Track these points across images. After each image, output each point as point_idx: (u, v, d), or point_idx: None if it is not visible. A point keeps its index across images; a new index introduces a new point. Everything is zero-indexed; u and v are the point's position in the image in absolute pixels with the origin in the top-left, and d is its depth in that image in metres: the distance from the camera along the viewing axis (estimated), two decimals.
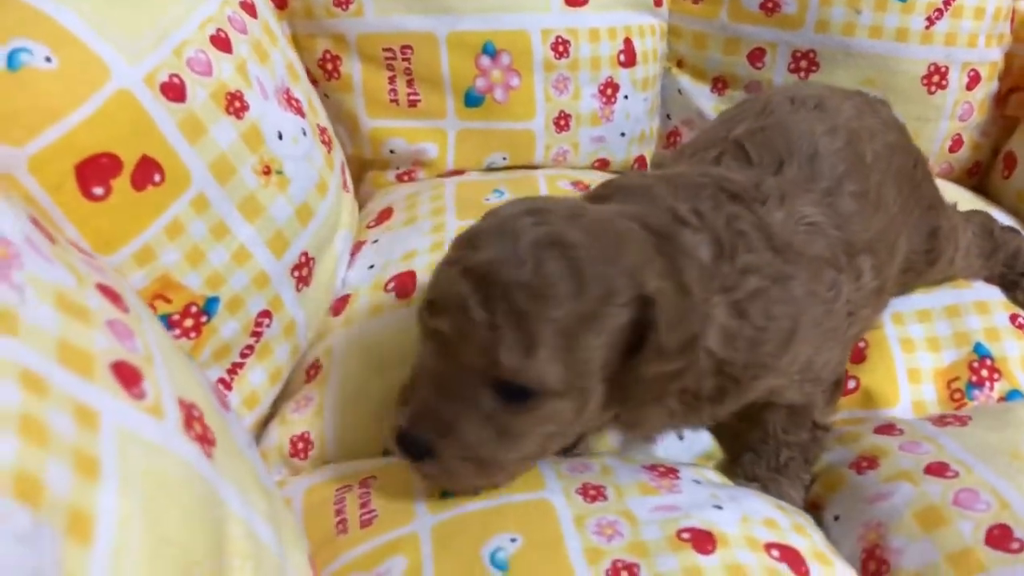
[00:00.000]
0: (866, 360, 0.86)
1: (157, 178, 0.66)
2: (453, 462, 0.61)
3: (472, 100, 0.99)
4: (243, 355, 0.75)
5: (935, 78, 1.04)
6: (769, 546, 0.63)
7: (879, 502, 0.70)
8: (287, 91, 0.82)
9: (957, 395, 0.84)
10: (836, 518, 0.73)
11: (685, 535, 0.62)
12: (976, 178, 1.14)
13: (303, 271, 0.80)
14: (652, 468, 0.71)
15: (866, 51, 1.02)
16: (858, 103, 0.84)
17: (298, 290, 0.79)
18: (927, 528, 0.66)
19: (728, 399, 0.69)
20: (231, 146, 0.72)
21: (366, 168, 1.05)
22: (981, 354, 0.86)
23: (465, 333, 0.58)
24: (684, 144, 0.85)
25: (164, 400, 0.46)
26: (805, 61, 1.04)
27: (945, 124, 1.08)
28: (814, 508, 0.75)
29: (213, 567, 0.42)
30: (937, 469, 0.70)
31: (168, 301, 0.68)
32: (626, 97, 1.05)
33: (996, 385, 0.84)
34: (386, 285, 0.85)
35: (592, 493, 0.66)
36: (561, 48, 0.99)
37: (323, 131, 0.87)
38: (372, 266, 0.88)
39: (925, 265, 0.86)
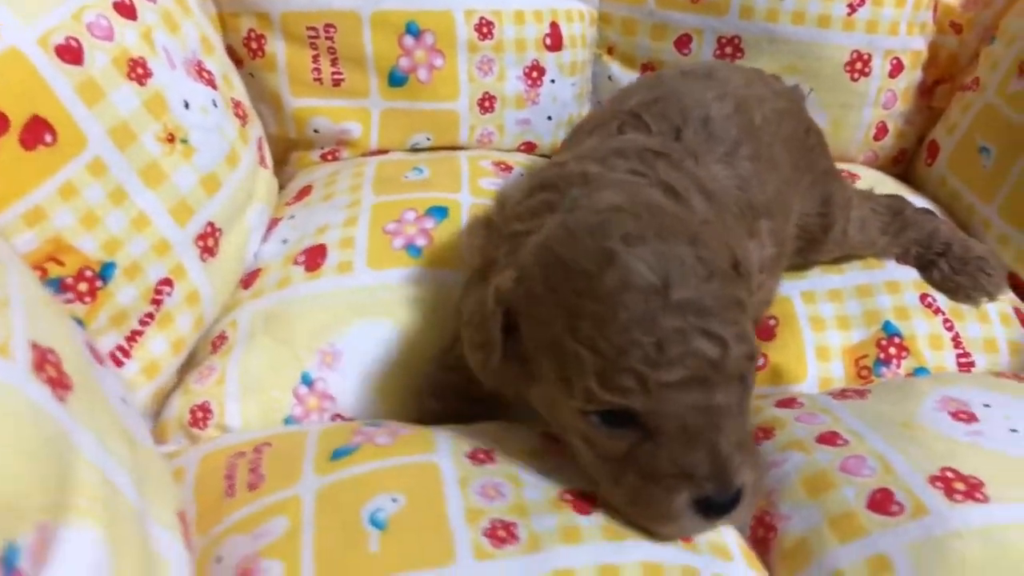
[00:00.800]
0: (775, 338, 0.87)
1: (48, 139, 0.66)
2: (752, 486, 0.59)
3: (396, 80, 1.00)
4: (143, 323, 0.75)
5: (858, 65, 1.05)
6: None
7: (771, 470, 0.70)
8: (199, 63, 0.82)
9: (864, 372, 0.85)
10: None
11: (568, 496, 0.62)
12: (901, 166, 1.15)
13: (208, 241, 0.79)
14: (547, 434, 0.71)
15: (789, 37, 1.03)
16: (748, 74, 0.88)
17: (203, 260, 0.79)
18: (813, 494, 0.66)
19: None
20: (132, 112, 0.72)
21: (291, 148, 1.05)
22: (890, 332, 0.86)
23: (710, 357, 0.55)
24: (580, 122, 0.85)
25: (14, 342, 0.46)
26: (730, 47, 1.05)
27: (869, 112, 1.09)
28: None
29: (48, 502, 0.42)
30: (829, 438, 0.70)
31: (61, 264, 0.68)
32: (553, 81, 1.06)
33: (903, 362, 0.85)
34: (296, 258, 0.85)
35: (481, 457, 0.66)
36: (485, 29, 0.99)
37: (237, 105, 0.87)
38: (285, 240, 0.88)
39: (819, 231, 0.87)
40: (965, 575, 0.58)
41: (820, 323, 0.87)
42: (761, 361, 0.85)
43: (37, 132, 0.65)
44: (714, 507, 0.57)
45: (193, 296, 0.78)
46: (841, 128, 1.09)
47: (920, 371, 0.85)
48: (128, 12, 0.74)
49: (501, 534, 0.59)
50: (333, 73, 0.99)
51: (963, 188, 1.02)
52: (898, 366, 0.85)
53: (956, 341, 0.87)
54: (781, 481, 0.69)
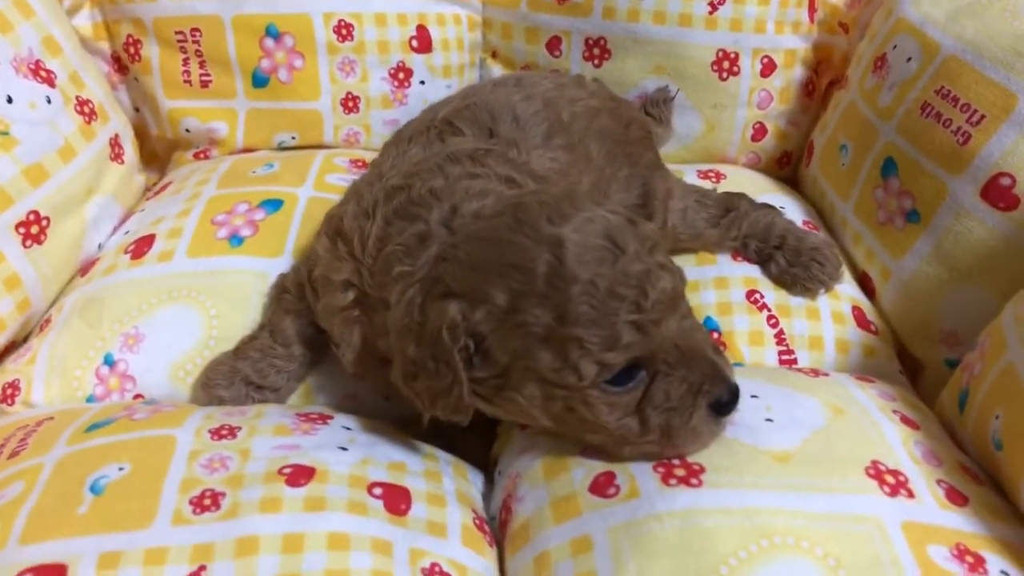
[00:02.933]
0: None
1: None
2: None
3: (258, 81, 1.03)
4: None
5: (725, 64, 1.04)
6: (375, 485, 0.65)
7: (524, 454, 0.70)
8: (37, 62, 0.87)
9: None
10: (499, 473, 0.73)
11: (287, 470, 0.64)
12: (787, 168, 1.13)
13: (32, 229, 0.83)
14: (304, 415, 0.73)
15: (652, 37, 1.03)
16: (562, 79, 0.92)
17: (26, 247, 0.83)
18: (548, 476, 0.67)
19: None
20: None
21: (171, 148, 1.09)
22: (709, 328, 0.85)
23: (671, 286, 0.61)
24: (396, 133, 0.87)
25: None
26: (597, 48, 1.06)
27: (743, 112, 1.07)
28: (494, 465, 0.76)
29: None
30: None
31: None
32: (422, 82, 1.08)
33: None
34: (127, 247, 0.89)
35: (224, 433, 0.68)
36: (344, 31, 1.02)
37: (84, 103, 0.92)
38: (128, 232, 0.92)
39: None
40: (653, 553, 0.58)
41: None
42: None
43: None
44: (726, 405, 0.63)
45: (13, 280, 0.82)
46: (716, 129, 1.09)
47: (735, 366, 0.83)
48: None
49: (206, 502, 0.61)
50: (202, 75, 1.03)
51: (827, 187, 1.00)
52: None
53: (779, 337, 0.85)
54: (528, 465, 0.69)
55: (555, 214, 0.61)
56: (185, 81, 1.03)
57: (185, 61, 1.03)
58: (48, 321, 0.84)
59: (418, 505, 0.64)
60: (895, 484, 0.63)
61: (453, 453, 0.75)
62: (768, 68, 1.06)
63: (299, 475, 0.63)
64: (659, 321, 0.60)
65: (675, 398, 0.61)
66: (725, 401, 0.63)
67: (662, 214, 0.88)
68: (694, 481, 0.62)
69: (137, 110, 1.09)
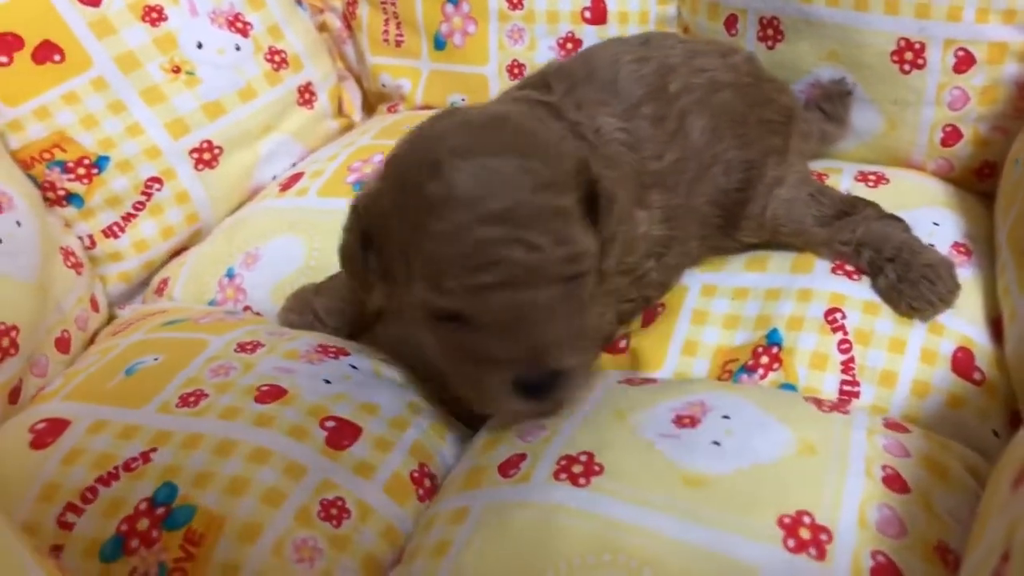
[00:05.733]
0: (651, 324, 0.83)
1: (57, 58, 0.91)
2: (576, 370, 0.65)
3: (439, 44, 1.10)
4: (135, 208, 0.98)
5: (908, 55, 0.91)
6: (330, 418, 0.70)
7: (489, 426, 0.72)
8: (236, 15, 1.03)
9: (726, 376, 0.78)
10: None
11: (264, 388, 0.72)
12: (989, 181, 0.95)
13: (204, 155, 1.00)
14: (324, 346, 0.80)
15: (825, 20, 0.93)
16: (702, 47, 0.86)
17: (197, 169, 0.99)
18: (485, 448, 0.68)
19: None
20: (141, 46, 0.95)
21: (378, 100, 1.21)
22: (772, 341, 0.78)
23: (522, 262, 0.60)
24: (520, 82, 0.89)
25: None
26: (771, 29, 0.97)
27: (929, 111, 0.92)
28: None
29: None
30: None
31: (64, 151, 0.93)
32: None
33: (771, 375, 0.76)
34: (282, 182, 1.02)
35: (248, 347, 0.78)
36: (516, 0, 1.06)
37: (276, 52, 1.06)
38: (294, 166, 1.06)
39: (735, 204, 0.82)
40: (498, 536, 0.59)
41: (702, 317, 0.81)
42: (624, 343, 0.83)
43: (47, 53, 0.91)
44: (531, 387, 0.63)
45: (183, 195, 0.99)
46: (898, 128, 0.95)
47: (787, 387, 0.76)
48: None
49: (191, 400, 0.71)
50: (397, 35, 1.13)
51: (999, 205, 0.85)
52: (763, 377, 0.76)
53: (847, 365, 0.75)
54: (481, 436, 0.71)
55: (463, 146, 0.61)
56: (384, 40, 1.15)
57: (386, 21, 1.14)
58: (208, 233, 1.01)
59: (360, 445, 0.69)
60: (807, 541, 0.55)
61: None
62: (964, 63, 0.90)
63: (270, 395, 0.71)
64: (488, 287, 0.59)
65: (481, 358, 0.62)
66: (529, 384, 0.62)
67: (763, 199, 0.82)
68: (582, 480, 0.60)
69: (359, 63, 1.22)
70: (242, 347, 0.78)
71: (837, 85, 0.96)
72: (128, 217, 0.98)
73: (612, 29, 1.08)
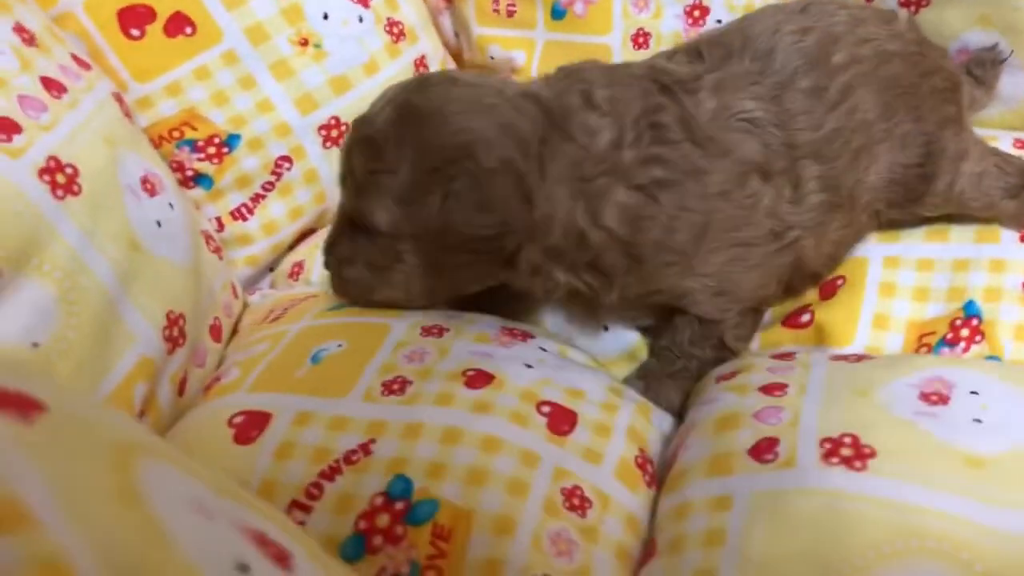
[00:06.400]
0: (833, 297, 0.81)
1: (188, 30, 0.86)
2: (348, 279, 0.77)
3: (557, 13, 1.06)
4: (265, 188, 0.93)
5: None
6: (545, 403, 0.67)
7: (704, 406, 0.69)
8: None
9: (924, 350, 0.76)
10: (685, 420, 0.72)
11: (470, 372, 0.69)
12: None
13: (332, 132, 0.95)
14: (509, 329, 0.77)
15: None
16: (865, 13, 0.81)
17: (325, 147, 0.95)
18: (717, 432, 0.65)
19: (632, 277, 0.73)
20: (269, 17, 0.90)
21: (480, 72, 1.17)
22: (969, 313, 0.76)
23: (343, 179, 0.73)
24: (674, 47, 0.85)
25: (33, 149, 0.66)
26: None
27: None
28: (685, 411, 0.75)
29: (10, 256, 0.60)
30: (771, 388, 0.67)
31: (195, 129, 0.88)
32: (719, 21, 1.04)
33: (974, 347, 0.75)
34: None
35: (434, 331, 0.74)
36: None
37: (394, 24, 1.01)
38: None
39: (917, 181, 0.79)
40: (786, 526, 0.56)
41: (890, 290, 0.79)
42: (807, 317, 0.81)
43: (179, 24, 0.86)
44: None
45: (312, 174, 0.95)
46: None
47: (991, 359, 0.74)
48: None
49: (395, 387, 0.68)
50: (508, 5, 1.09)
51: None
52: (965, 350, 0.75)
53: None
54: (704, 417, 0.68)
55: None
56: (494, 10, 1.10)
57: None
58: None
59: (581, 430, 0.66)
60: None
61: (648, 398, 0.76)
62: None
63: (478, 379, 0.68)
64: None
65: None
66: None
67: (949, 175, 0.79)
68: (857, 464, 0.57)
69: (457, 35, 1.18)
70: (427, 331, 0.74)
71: (990, 52, 0.94)
72: (257, 198, 0.93)
73: None
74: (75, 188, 0.68)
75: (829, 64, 0.76)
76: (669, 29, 1.05)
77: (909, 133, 0.78)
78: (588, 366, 0.76)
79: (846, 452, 0.58)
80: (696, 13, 1.05)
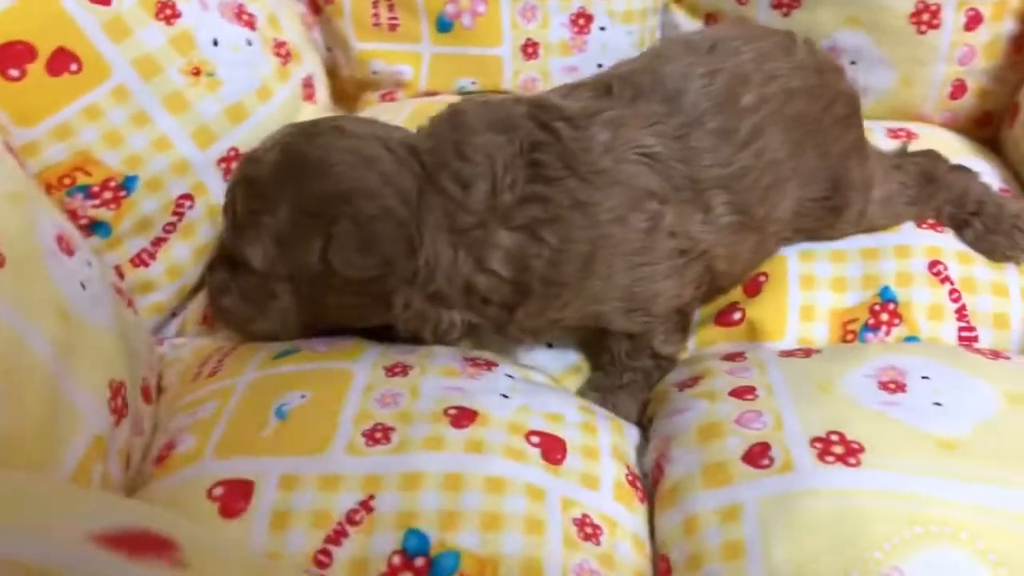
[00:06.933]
0: (759, 294, 0.85)
1: (74, 67, 0.78)
2: (225, 309, 0.80)
3: (443, 25, 1.05)
4: (166, 230, 0.87)
5: (925, 16, 0.97)
6: (532, 433, 0.67)
7: (676, 416, 0.71)
8: (239, 6, 0.92)
9: (850, 336, 0.82)
10: (654, 431, 0.74)
11: (452, 411, 0.67)
12: (988, 129, 1.05)
13: (232, 164, 0.90)
14: (471, 359, 0.76)
15: None
16: (769, 45, 0.82)
17: (226, 180, 0.89)
18: (701, 441, 0.67)
19: (528, 309, 0.74)
20: (158, 48, 0.83)
21: (360, 89, 1.13)
22: (886, 298, 0.82)
23: (224, 211, 0.77)
24: (583, 79, 0.86)
25: None
26: None
27: (942, 68, 1.01)
28: (649, 423, 0.77)
29: None
30: (741, 392, 0.70)
31: (88, 174, 0.81)
32: (603, 28, 1.06)
33: (894, 330, 0.81)
34: None
35: (397, 370, 0.72)
36: None
37: (280, 45, 0.97)
38: None
39: (825, 212, 0.83)
40: (803, 530, 0.58)
41: (811, 282, 0.84)
42: (738, 315, 0.85)
43: (63, 62, 0.77)
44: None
45: (215, 211, 0.89)
46: (912, 85, 1.02)
47: (911, 340, 0.81)
48: None
49: (377, 435, 0.65)
50: (390, 18, 1.07)
51: None
52: (887, 333, 0.81)
53: (960, 313, 0.81)
54: (681, 428, 0.70)
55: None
56: (375, 24, 1.07)
57: (375, 4, 1.06)
58: None
59: (573, 456, 0.67)
60: None
61: (606, 408, 0.77)
62: (974, 21, 0.98)
63: (462, 417, 0.67)
64: None
65: None
66: None
67: (859, 204, 0.83)
68: (852, 460, 0.61)
69: (329, 50, 1.14)
70: (391, 370, 0.72)
71: None
72: (159, 241, 0.87)
73: (619, 2, 1.07)
74: None
75: (738, 106, 0.77)
76: (557, 38, 1.06)
77: (816, 168, 0.81)
78: (553, 388, 0.77)
79: (838, 450, 0.62)
80: (581, 21, 1.07)
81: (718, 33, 0.85)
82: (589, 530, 0.62)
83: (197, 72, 0.86)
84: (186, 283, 0.90)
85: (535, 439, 0.67)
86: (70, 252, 0.70)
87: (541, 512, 0.61)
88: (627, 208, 0.71)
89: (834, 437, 0.63)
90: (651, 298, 0.74)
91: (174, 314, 0.92)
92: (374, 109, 1.09)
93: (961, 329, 0.81)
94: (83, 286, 0.69)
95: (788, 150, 0.78)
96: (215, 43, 0.88)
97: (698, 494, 0.64)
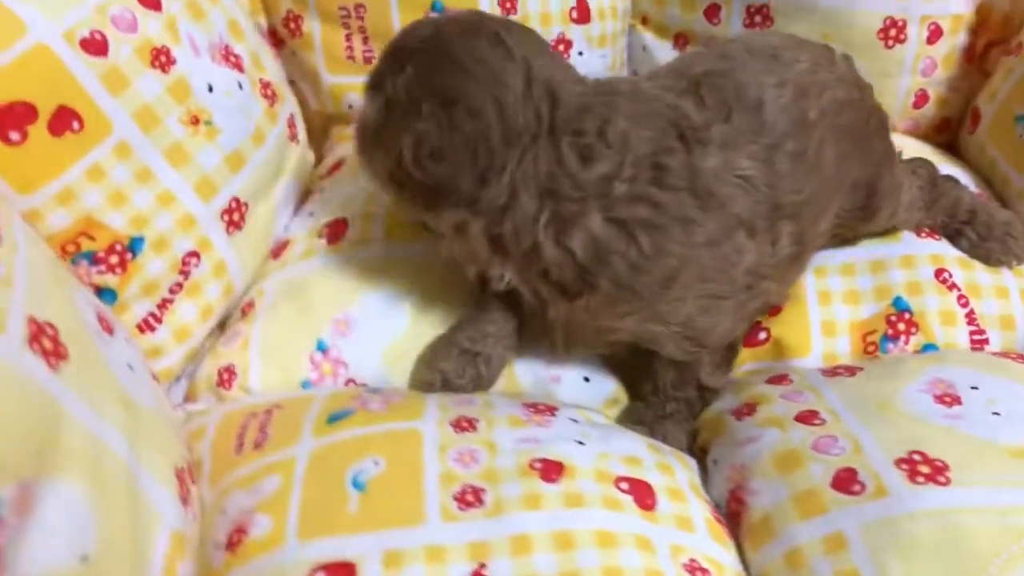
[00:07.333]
0: (781, 312, 0.87)
1: (76, 125, 0.72)
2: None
3: None
4: (172, 291, 0.81)
5: (892, 32, 1.02)
6: (620, 479, 0.66)
7: (747, 445, 0.72)
8: (226, 47, 0.87)
9: (871, 348, 0.85)
10: (715, 462, 0.75)
11: (537, 464, 0.66)
12: (946, 135, 1.12)
13: (234, 216, 0.85)
14: (531, 405, 0.75)
15: (819, 5, 1.02)
16: (816, 55, 0.83)
17: (229, 233, 0.85)
18: (782, 470, 0.68)
19: (588, 304, 0.72)
20: (156, 98, 0.78)
21: (331, 122, 1.10)
22: (900, 308, 0.86)
23: None
24: (653, 71, 0.85)
25: (12, 319, 0.52)
26: (759, 16, 1.04)
27: (906, 79, 1.06)
28: (702, 452, 0.78)
29: (31, 461, 0.48)
30: (807, 416, 0.72)
31: (92, 239, 0.75)
32: (580, 53, 1.07)
33: (912, 339, 0.85)
34: (320, 231, 0.90)
35: (464, 425, 0.70)
36: (509, 4, 1.01)
37: (266, 85, 0.92)
38: (312, 214, 0.94)
39: (860, 222, 0.87)
40: (915, 555, 0.60)
41: (827, 297, 0.87)
42: (764, 335, 0.87)
43: (64, 120, 0.71)
44: None
45: (220, 267, 0.84)
46: (880, 96, 1.06)
47: (928, 347, 0.84)
48: (153, 3, 0.79)
49: (469, 498, 0.63)
50: (365, 51, 1.03)
51: (1000, 158, 1.00)
52: (906, 343, 0.85)
53: (970, 317, 0.86)
54: (755, 457, 0.71)
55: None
56: (348, 57, 1.04)
57: (348, 37, 1.03)
58: (252, 305, 0.87)
59: (662, 499, 0.66)
60: None
61: (656, 439, 0.77)
62: (935, 35, 1.04)
63: (550, 470, 0.65)
64: None
65: None
66: None
67: (891, 208, 0.87)
68: (941, 479, 0.63)
69: (292, 83, 1.09)
70: (457, 426, 0.70)
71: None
72: (165, 303, 0.81)
73: (595, 28, 1.07)
74: (61, 351, 0.55)
75: (807, 123, 0.77)
76: None
77: (857, 179, 0.84)
78: (617, 428, 0.76)
79: (924, 469, 0.64)
80: (560, 47, 1.07)
81: (770, 39, 0.85)
82: (699, 574, 0.62)
83: (196, 121, 0.81)
84: (194, 345, 0.85)
85: (624, 485, 0.66)
86: (111, 331, 0.65)
87: (656, 563, 0.61)
88: (721, 235, 0.71)
89: (916, 457, 0.65)
90: (708, 329, 0.75)
91: (177, 377, 0.86)
92: (348, 145, 1.05)
93: (972, 333, 0.85)
94: (130, 367, 0.64)
95: (837, 163, 0.80)
96: (210, 89, 0.83)
97: (794, 526, 0.65)
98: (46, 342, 0.54)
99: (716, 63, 0.80)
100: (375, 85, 0.74)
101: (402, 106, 0.70)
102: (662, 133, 0.71)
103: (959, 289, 0.87)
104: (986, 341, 0.85)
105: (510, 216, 0.70)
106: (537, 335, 0.81)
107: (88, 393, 0.56)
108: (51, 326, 0.55)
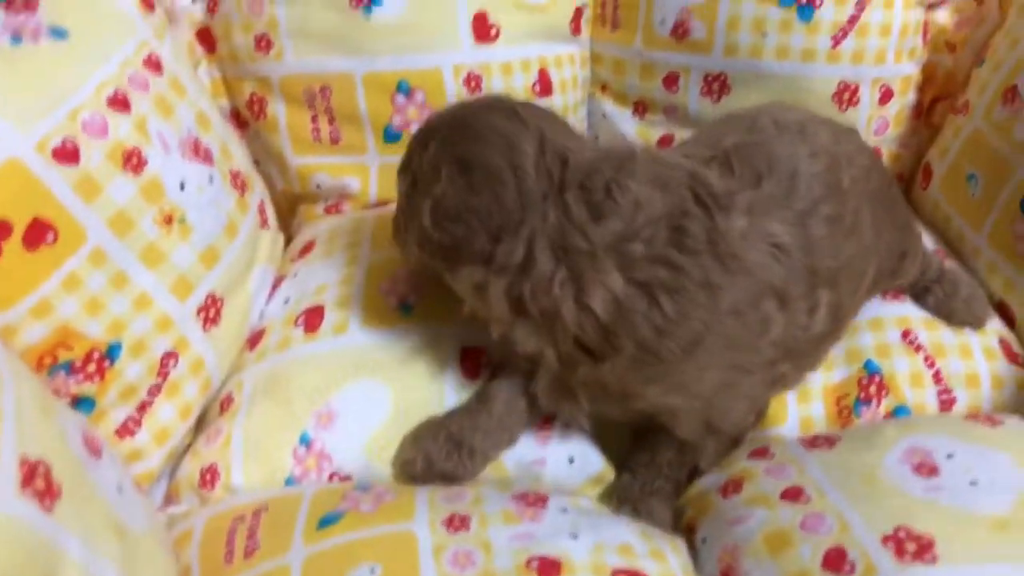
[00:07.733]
0: None
1: (50, 238, 0.71)
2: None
3: (391, 136, 1.04)
4: (151, 394, 0.80)
5: (845, 95, 1.06)
6: (617, 572, 0.67)
7: (737, 525, 0.73)
8: (195, 141, 0.87)
9: (845, 412, 0.87)
10: (703, 540, 0.76)
11: (534, 563, 0.66)
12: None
13: (210, 312, 0.85)
14: (522, 497, 0.75)
15: (775, 72, 1.05)
16: (833, 128, 0.86)
17: (205, 330, 0.84)
18: (773, 551, 0.69)
19: (614, 368, 0.72)
20: (129, 201, 0.77)
21: (298, 201, 1.10)
22: (871, 371, 0.88)
23: None
24: (682, 143, 0.88)
25: (3, 461, 0.51)
26: (717, 84, 1.07)
27: None
28: (688, 531, 0.79)
29: None
30: (792, 494, 0.73)
31: (69, 349, 0.74)
32: None
33: (884, 401, 0.87)
34: (296, 319, 0.90)
35: (456, 524, 0.70)
36: (473, 83, 1.03)
37: (236, 175, 0.92)
38: (287, 300, 0.93)
39: (888, 281, 0.91)
40: None
41: None
42: None
43: (39, 233, 0.71)
44: None
45: (198, 365, 0.84)
46: None
47: (900, 410, 0.87)
48: (122, 105, 0.78)
49: None
50: (331, 132, 1.04)
51: (954, 214, 1.03)
52: (878, 405, 0.87)
53: (937, 378, 0.88)
54: (745, 538, 0.72)
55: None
56: (315, 138, 1.04)
57: (314, 118, 1.03)
58: (230, 400, 0.86)
59: None
60: None
61: (639, 519, 0.78)
62: (886, 96, 1.07)
63: (548, 568, 0.66)
64: None
65: None
66: None
67: (913, 268, 0.91)
68: (927, 556, 0.65)
69: (257, 163, 1.09)
70: (449, 524, 0.70)
71: None
72: (143, 406, 0.80)
73: (557, 99, 1.09)
74: (54, 489, 0.54)
75: (841, 190, 0.80)
76: None
77: (891, 244, 0.87)
78: (607, 515, 0.77)
79: (911, 547, 0.65)
80: None
81: (792, 115, 0.87)
82: None
83: (169, 220, 0.81)
84: (173, 445, 0.83)
85: None
86: (98, 453, 0.64)
87: None
88: (747, 303, 0.72)
89: (902, 534, 0.66)
90: (726, 411, 0.77)
91: (157, 479, 0.85)
92: (326, 225, 1.04)
93: (940, 392, 0.88)
94: (120, 489, 0.64)
95: (874, 230, 0.83)
96: (182, 186, 0.83)
97: None
98: (39, 482, 0.53)
99: (747, 136, 0.82)
100: (404, 167, 0.78)
101: (426, 177, 0.73)
102: (679, 197, 0.72)
103: (925, 350, 0.90)
104: (954, 400, 0.88)
105: (528, 275, 0.70)
106: (559, 399, 0.80)
107: (82, 529, 0.55)
108: (44, 463, 0.55)
